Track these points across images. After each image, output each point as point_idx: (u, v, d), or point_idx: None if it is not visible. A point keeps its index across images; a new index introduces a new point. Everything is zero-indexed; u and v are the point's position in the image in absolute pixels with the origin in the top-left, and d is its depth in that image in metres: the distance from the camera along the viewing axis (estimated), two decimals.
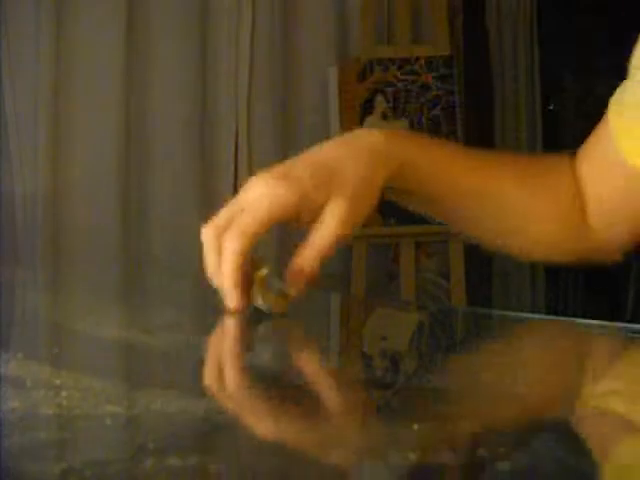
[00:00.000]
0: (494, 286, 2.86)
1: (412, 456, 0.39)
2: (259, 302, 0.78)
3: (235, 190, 3.01)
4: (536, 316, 0.85)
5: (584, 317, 0.84)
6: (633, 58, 0.92)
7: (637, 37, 0.91)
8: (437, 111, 2.63)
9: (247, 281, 0.78)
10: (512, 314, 0.87)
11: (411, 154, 0.87)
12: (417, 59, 2.65)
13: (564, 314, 2.90)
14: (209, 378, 0.58)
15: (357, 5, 2.69)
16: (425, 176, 0.88)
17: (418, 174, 0.87)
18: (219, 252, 0.78)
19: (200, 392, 0.54)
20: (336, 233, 0.79)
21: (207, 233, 0.80)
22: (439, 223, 0.98)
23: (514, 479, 0.38)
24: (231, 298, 0.77)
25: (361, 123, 2.61)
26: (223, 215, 0.80)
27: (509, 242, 0.99)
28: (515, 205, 0.95)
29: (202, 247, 0.82)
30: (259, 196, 0.79)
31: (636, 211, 0.94)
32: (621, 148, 0.91)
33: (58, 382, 0.51)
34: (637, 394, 0.57)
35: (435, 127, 2.62)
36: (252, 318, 0.79)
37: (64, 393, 0.48)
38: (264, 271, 0.78)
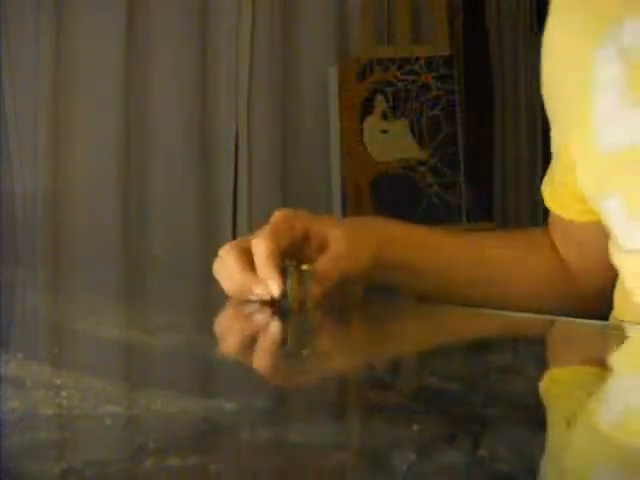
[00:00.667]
0: None
1: (412, 456, 0.39)
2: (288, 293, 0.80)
3: (235, 190, 2.97)
4: (536, 316, 0.85)
5: (584, 317, 0.84)
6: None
7: None
8: (437, 111, 2.63)
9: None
10: (512, 314, 0.87)
11: (396, 227, 0.99)
12: (417, 59, 2.65)
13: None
14: (209, 378, 0.58)
15: (357, 5, 2.68)
16: (410, 243, 0.98)
17: (403, 243, 0.97)
18: (247, 261, 0.83)
19: (200, 392, 0.54)
20: (338, 255, 0.88)
21: (229, 247, 0.84)
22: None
23: (513, 479, 0.38)
24: (273, 283, 0.80)
25: (361, 123, 2.61)
26: (243, 238, 0.87)
27: (489, 291, 1.01)
28: (498, 255, 1.01)
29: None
30: (275, 215, 0.87)
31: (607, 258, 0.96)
32: (562, 212, 0.99)
33: (58, 382, 0.51)
34: (635, 393, 0.57)
35: (435, 127, 2.62)
36: (252, 317, 0.79)
37: (64, 393, 0.48)
38: (304, 266, 0.82)
